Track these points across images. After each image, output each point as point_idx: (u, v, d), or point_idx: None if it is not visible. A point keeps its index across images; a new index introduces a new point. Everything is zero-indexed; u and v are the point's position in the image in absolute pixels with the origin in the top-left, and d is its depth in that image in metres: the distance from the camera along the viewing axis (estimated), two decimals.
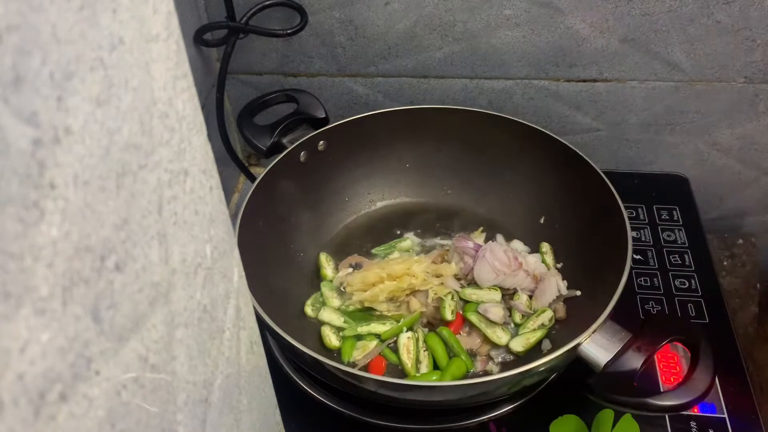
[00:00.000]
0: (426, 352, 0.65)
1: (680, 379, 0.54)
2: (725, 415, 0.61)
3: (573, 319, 0.66)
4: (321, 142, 0.75)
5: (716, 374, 0.53)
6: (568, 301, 0.68)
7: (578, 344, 0.53)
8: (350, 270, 0.73)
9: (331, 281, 0.72)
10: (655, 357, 0.63)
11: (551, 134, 0.72)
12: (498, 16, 0.78)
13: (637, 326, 0.56)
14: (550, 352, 0.54)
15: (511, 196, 0.78)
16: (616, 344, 0.54)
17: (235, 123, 0.94)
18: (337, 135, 0.75)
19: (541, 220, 0.76)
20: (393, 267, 0.69)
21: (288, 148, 0.72)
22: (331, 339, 0.66)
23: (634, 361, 0.53)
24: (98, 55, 0.19)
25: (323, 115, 0.76)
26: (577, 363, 0.55)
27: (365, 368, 0.64)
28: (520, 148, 0.75)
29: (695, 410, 0.61)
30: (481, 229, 0.77)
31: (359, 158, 0.80)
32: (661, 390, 0.61)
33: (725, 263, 0.86)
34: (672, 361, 0.65)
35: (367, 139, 0.78)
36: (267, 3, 0.77)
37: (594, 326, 0.54)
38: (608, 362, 0.53)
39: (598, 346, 0.54)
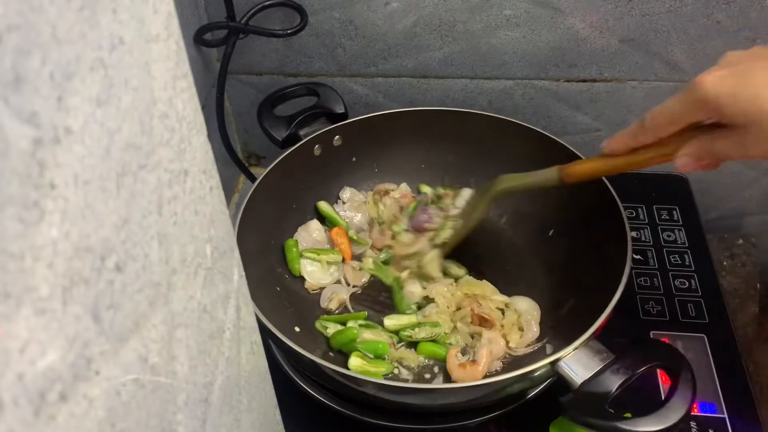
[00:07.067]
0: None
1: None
2: (725, 415, 0.61)
3: (571, 320, 0.66)
4: (336, 136, 0.75)
5: (692, 406, 0.50)
6: (565, 303, 0.68)
7: (558, 359, 0.52)
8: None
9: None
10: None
11: (550, 135, 0.72)
12: (498, 17, 0.78)
13: (626, 344, 0.54)
14: (530, 363, 0.52)
15: (509, 196, 0.78)
16: (597, 363, 0.52)
17: (235, 123, 0.94)
18: (352, 131, 0.76)
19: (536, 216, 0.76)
20: None
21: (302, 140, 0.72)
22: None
23: (611, 383, 0.51)
24: (98, 55, 0.19)
25: (342, 110, 0.76)
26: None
27: None
28: (519, 150, 0.75)
29: (695, 410, 0.61)
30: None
31: (374, 155, 0.80)
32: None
33: (725, 263, 0.86)
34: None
35: (381, 137, 0.78)
36: (267, 3, 0.77)
37: (576, 343, 0.52)
38: (585, 381, 0.51)
39: (578, 364, 0.52)
